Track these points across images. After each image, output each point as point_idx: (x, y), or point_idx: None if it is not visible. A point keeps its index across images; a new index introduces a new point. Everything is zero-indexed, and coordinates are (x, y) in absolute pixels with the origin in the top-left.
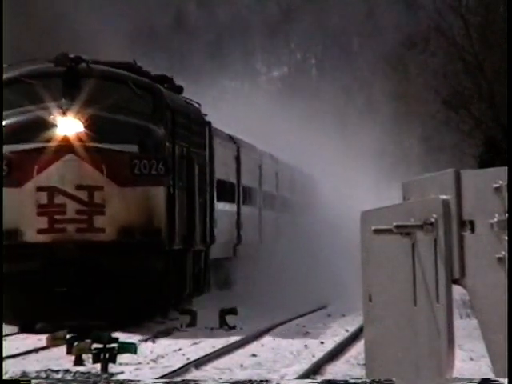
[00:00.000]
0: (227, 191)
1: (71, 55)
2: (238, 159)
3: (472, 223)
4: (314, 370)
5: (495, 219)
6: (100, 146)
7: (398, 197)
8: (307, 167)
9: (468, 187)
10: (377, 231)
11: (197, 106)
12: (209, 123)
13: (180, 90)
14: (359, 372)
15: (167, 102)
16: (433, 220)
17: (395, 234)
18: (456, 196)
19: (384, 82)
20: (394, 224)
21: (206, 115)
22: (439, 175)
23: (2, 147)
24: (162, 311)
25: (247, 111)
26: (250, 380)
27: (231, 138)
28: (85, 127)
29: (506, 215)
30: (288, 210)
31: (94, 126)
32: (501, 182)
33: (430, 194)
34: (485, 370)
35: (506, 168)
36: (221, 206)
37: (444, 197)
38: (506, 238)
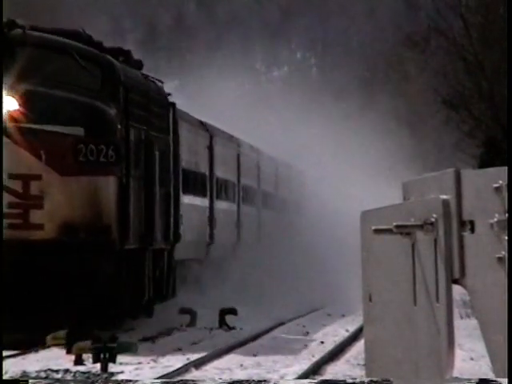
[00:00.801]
0: (197, 183)
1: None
2: (210, 148)
3: (472, 223)
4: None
5: (495, 219)
6: (38, 127)
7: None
8: (297, 162)
9: (468, 187)
10: (377, 231)
11: (159, 84)
12: (173, 105)
13: (139, 65)
14: (359, 373)
15: (120, 76)
16: (433, 220)
17: (395, 234)
18: (456, 196)
19: (384, 81)
20: (394, 224)
21: (169, 95)
22: (439, 175)
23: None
24: (113, 320)
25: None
26: (249, 380)
27: (203, 125)
28: (19, 105)
29: (506, 215)
30: (272, 206)
31: (30, 103)
32: (501, 181)
33: (430, 193)
34: (485, 369)
35: (506, 168)
36: (188, 200)
37: (444, 197)
38: (506, 237)
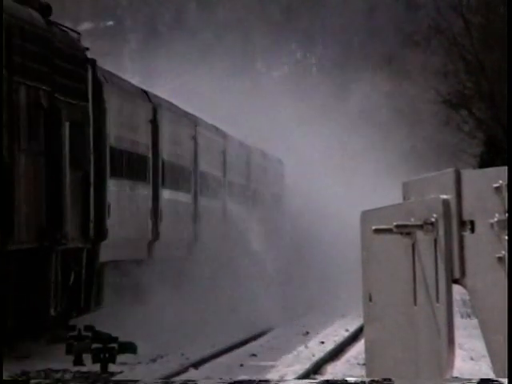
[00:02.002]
0: (135, 166)
1: None
2: (154, 123)
3: (472, 223)
4: None
5: (495, 219)
6: None
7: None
8: (277, 151)
9: (468, 187)
10: (377, 231)
11: (74, 35)
12: (93, 62)
13: (45, 9)
14: (359, 372)
15: None
16: (433, 220)
17: (395, 234)
18: (456, 196)
19: (384, 81)
20: (394, 224)
21: (87, 49)
22: (439, 175)
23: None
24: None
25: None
26: (250, 380)
27: (145, 94)
28: None
29: (506, 215)
30: (242, 199)
31: None
32: (501, 181)
33: (430, 193)
34: (485, 369)
35: (506, 168)
36: (120, 186)
37: (444, 197)
38: (506, 237)
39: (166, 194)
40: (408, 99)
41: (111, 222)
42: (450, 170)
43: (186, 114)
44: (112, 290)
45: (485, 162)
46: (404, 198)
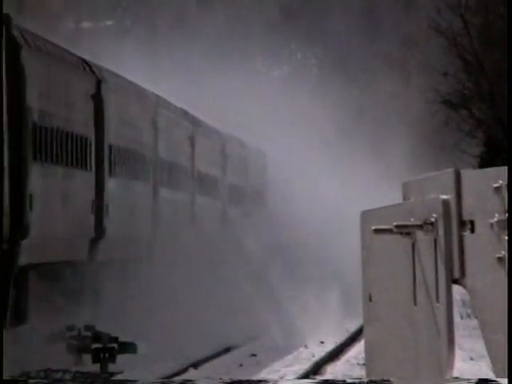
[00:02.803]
0: (69, 148)
1: None
2: (97, 98)
3: (472, 223)
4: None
5: (495, 219)
6: None
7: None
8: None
9: (468, 187)
10: (377, 231)
11: None
12: (7, 18)
13: None
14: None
15: None
16: (433, 220)
17: (395, 234)
18: (456, 196)
19: (384, 81)
20: (394, 224)
21: None
22: (439, 175)
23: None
24: None
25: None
26: (249, 380)
27: (85, 64)
28: None
29: (506, 215)
30: (216, 193)
31: None
32: (501, 181)
33: (430, 193)
34: (485, 369)
35: (506, 168)
36: (47, 173)
37: (444, 197)
38: (506, 237)
39: (114, 185)
40: (408, 99)
41: (35, 217)
42: (450, 170)
43: (145, 93)
44: (38, 300)
45: (485, 161)
46: (404, 198)
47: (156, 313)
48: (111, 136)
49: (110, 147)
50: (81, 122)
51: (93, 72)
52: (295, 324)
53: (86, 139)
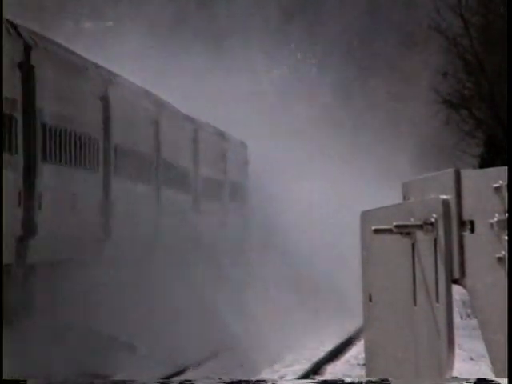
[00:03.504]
0: None
1: None
2: (25, 68)
3: (472, 223)
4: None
5: (495, 219)
6: None
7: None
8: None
9: (468, 187)
10: (377, 231)
11: None
12: None
13: None
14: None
15: None
16: (433, 220)
17: (395, 234)
18: (456, 196)
19: (384, 81)
20: (394, 224)
21: None
22: (439, 175)
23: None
24: None
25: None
26: (248, 380)
27: (11, 27)
28: None
29: (506, 215)
30: (186, 187)
31: None
32: (501, 181)
33: (430, 193)
34: (485, 369)
35: (506, 168)
36: None
37: (444, 197)
38: (506, 237)
39: (49, 173)
40: (408, 99)
41: None
42: (450, 170)
43: (94, 67)
44: None
45: (485, 161)
46: (404, 198)
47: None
48: (45, 114)
49: (44, 127)
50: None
51: (21, 36)
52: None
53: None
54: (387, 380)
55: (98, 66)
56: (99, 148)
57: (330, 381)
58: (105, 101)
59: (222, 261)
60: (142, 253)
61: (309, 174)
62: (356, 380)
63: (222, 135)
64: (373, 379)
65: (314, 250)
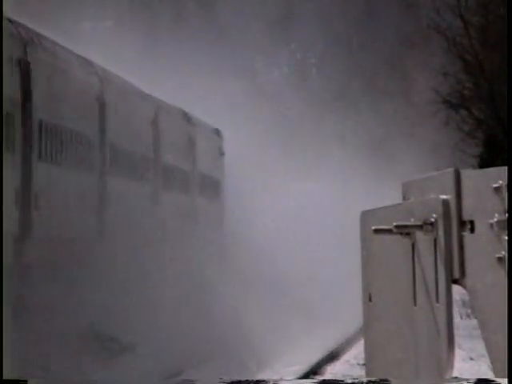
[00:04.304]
0: None
1: None
2: None
3: (472, 223)
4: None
5: (495, 219)
6: None
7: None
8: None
9: (468, 187)
10: (377, 231)
11: None
12: None
13: None
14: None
15: None
16: (433, 220)
17: (395, 234)
18: (456, 196)
19: (384, 81)
20: (394, 224)
21: None
22: (439, 175)
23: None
24: None
25: None
26: (248, 380)
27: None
28: None
29: (506, 215)
30: (142, 178)
31: None
32: (501, 181)
33: (430, 193)
34: (484, 369)
35: (506, 168)
36: None
37: (444, 197)
38: (506, 237)
39: None
40: (407, 99)
41: None
42: (450, 170)
43: (17, 27)
44: None
45: (485, 161)
46: (404, 198)
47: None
48: None
49: None
50: None
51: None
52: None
53: None
54: (387, 380)
55: (30, 31)
56: (14, 123)
57: (331, 381)
58: (21, 65)
59: (184, 257)
60: (80, 251)
61: (297, 173)
62: (356, 380)
63: (189, 120)
64: (373, 379)
65: (296, 252)
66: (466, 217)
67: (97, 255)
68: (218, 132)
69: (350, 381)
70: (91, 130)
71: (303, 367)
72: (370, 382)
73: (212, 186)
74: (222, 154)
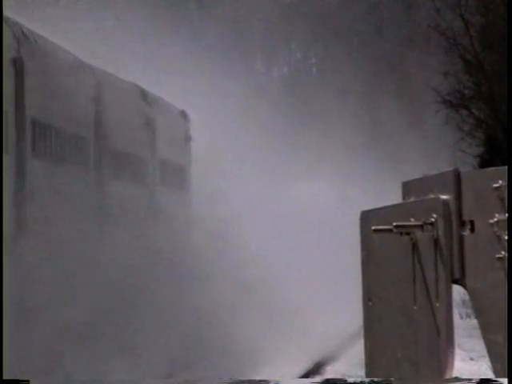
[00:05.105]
0: None
1: None
2: None
3: (472, 223)
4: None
5: (495, 219)
6: None
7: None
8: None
9: (468, 187)
10: (377, 231)
11: None
12: None
13: None
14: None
15: None
16: (433, 220)
17: (395, 234)
18: (456, 196)
19: (384, 81)
20: (394, 224)
21: None
22: (439, 175)
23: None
24: None
25: None
26: (250, 380)
27: None
28: None
29: (506, 215)
30: (80, 163)
31: None
32: (501, 181)
33: (430, 193)
34: (484, 369)
35: (506, 168)
36: None
37: (444, 197)
38: (506, 237)
39: None
40: (407, 99)
41: None
42: (450, 170)
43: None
44: None
45: (485, 161)
46: (404, 198)
47: None
48: None
49: None
50: None
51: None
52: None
53: None
54: (389, 380)
55: None
56: None
57: (331, 380)
58: None
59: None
60: None
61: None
62: (358, 380)
63: (144, 96)
64: (375, 379)
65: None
66: (466, 217)
67: (16, 250)
68: (183, 114)
69: (352, 380)
70: (9, 106)
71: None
72: (372, 381)
73: (176, 175)
74: (188, 139)
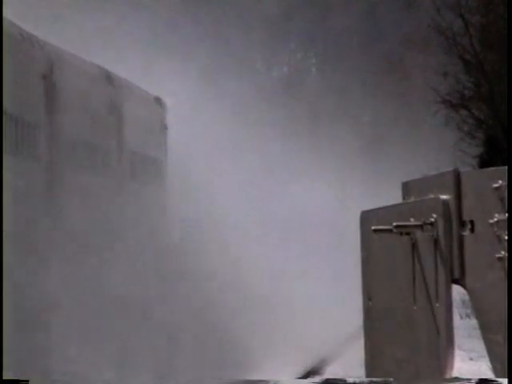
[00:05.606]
0: None
1: None
2: None
3: (472, 223)
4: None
5: (495, 219)
6: None
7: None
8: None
9: (468, 187)
10: (377, 231)
11: None
12: None
13: None
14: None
15: None
16: (433, 220)
17: (395, 234)
18: (456, 196)
19: (384, 81)
20: (394, 224)
21: None
22: (439, 175)
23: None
24: None
25: None
26: (249, 380)
27: None
28: None
29: (506, 215)
30: (27, 151)
31: None
32: (501, 181)
33: (430, 193)
34: (484, 369)
35: (506, 168)
36: None
37: (444, 197)
38: (506, 237)
39: None
40: (407, 99)
41: None
42: (450, 170)
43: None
44: None
45: (485, 162)
46: (404, 198)
47: None
48: None
49: None
50: None
51: None
52: None
53: None
54: (389, 380)
55: None
56: None
57: (331, 380)
58: None
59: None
60: None
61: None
62: (358, 380)
63: (109, 79)
64: (374, 379)
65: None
66: (466, 217)
67: None
68: (158, 101)
69: (351, 380)
70: None
71: None
72: (372, 382)
73: (148, 168)
74: (163, 128)
